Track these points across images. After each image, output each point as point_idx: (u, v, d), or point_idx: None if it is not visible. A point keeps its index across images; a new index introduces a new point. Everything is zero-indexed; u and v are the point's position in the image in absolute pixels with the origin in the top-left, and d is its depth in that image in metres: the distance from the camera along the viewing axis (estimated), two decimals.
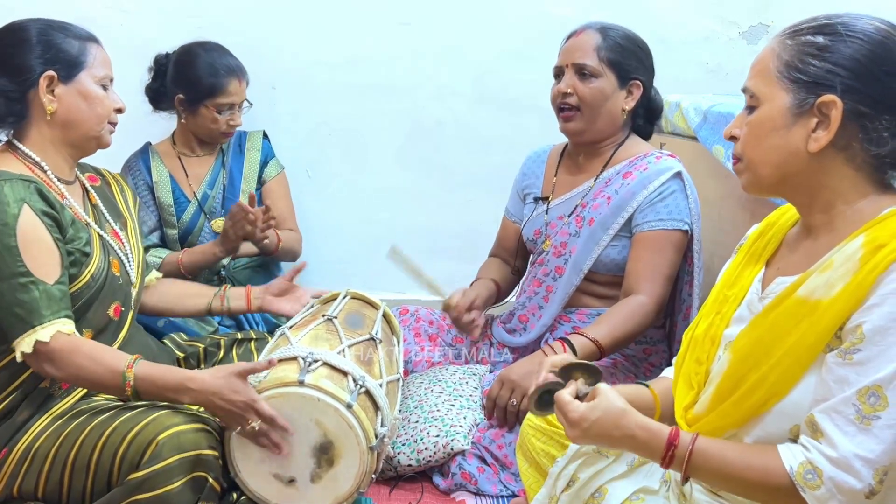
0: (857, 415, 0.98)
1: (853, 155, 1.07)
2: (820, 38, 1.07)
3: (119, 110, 1.64)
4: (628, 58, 1.92)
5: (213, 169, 2.45)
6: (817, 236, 1.11)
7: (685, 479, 1.14)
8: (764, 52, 1.13)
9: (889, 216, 1.04)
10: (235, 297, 1.92)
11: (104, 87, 1.61)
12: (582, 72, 1.91)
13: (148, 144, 2.46)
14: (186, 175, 2.42)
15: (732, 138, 1.16)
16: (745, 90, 1.14)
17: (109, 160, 1.93)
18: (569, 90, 1.91)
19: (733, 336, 1.16)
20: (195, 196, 2.41)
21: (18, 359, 1.43)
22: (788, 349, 1.05)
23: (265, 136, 2.55)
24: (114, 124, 1.64)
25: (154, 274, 1.90)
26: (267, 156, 2.52)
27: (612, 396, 1.14)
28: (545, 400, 1.24)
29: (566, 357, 1.29)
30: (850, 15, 1.08)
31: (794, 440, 1.05)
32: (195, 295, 1.93)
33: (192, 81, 2.29)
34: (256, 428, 1.42)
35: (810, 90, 1.06)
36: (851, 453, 0.97)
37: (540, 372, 1.26)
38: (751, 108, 1.13)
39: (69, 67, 1.56)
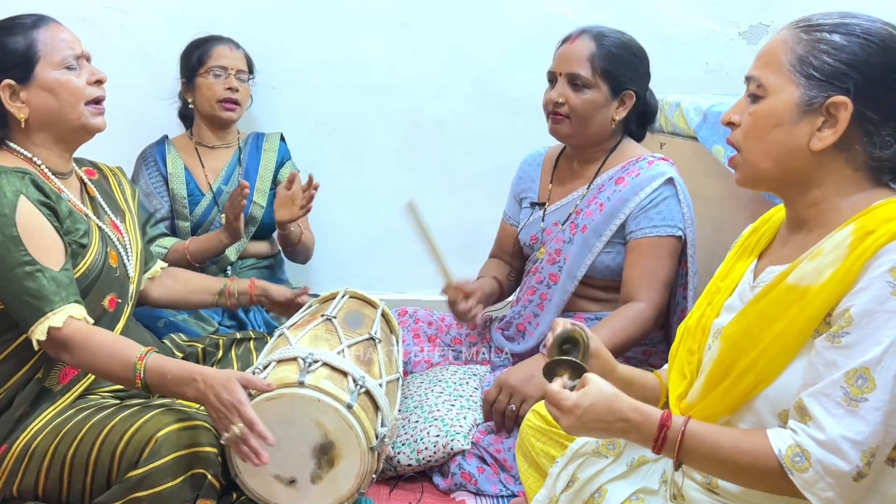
0: (844, 397, 0.98)
1: (854, 156, 1.08)
2: (837, 37, 1.06)
3: (99, 81, 1.57)
4: (622, 68, 1.90)
5: (230, 164, 2.48)
6: (810, 229, 1.12)
7: (678, 465, 1.14)
8: (774, 42, 1.12)
9: (878, 206, 1.05)
10: (241, 289, 1.93)
11: (69, 68, 1.54)
12: (574, 82, 1.89)
13: (165, 137, 2.50)
14: (203, 167, 2.45)
15: (730, 124, 1.15)
16: (750, 78, 1.13)
17: (117, 155, 1.93)
18: (560, 100, 1.90)
19: (723, 324, 1.16)
20: (210, 189, 2.43)
21: (35, 347, 1.43)
22: (777, 335, 1.06)
23: (282, 138, 2.58)
24: (98, 101, 1.58)
25: (159, 264, 1.89)
26: (283, 157, 2.56)
27: (602, 382, 1.14)
28: (564, 350, 1.25)
29: (578, 324, 1.28)
30: (865, 17, 1.08)
31: (784, 426, 1.06)
32: (200, 290, 1.93)
33: (184, 61, 2.42)
34: (237, 433, 1.38)
35: (822, 88, 1.06)
36: (839, 435, 0.98)
37: (555, 329, 1.26)
38: (754, 97, 1.12)
39: (23, 68, 1.50)
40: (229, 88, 2.37)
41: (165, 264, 1.94)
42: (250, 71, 2.47)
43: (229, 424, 1.39)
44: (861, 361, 0.98)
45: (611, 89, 1.90)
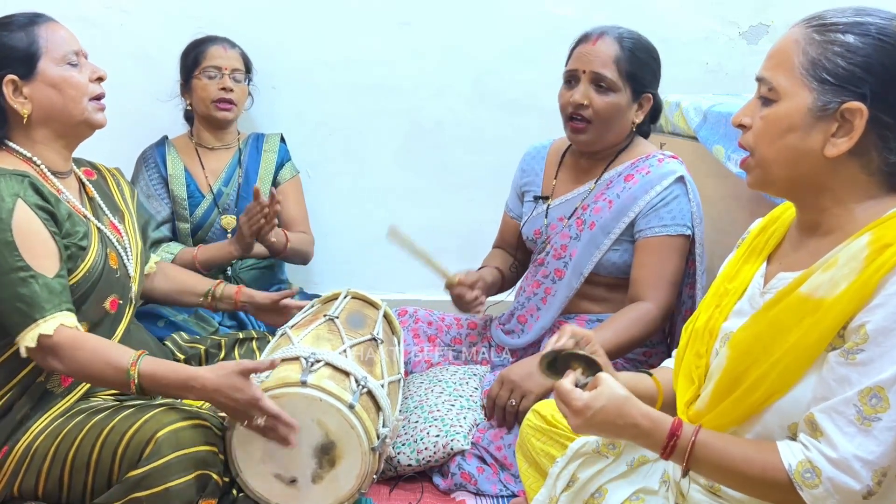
0: (857, 416, 0.97)
1: (869, 161, 1.04)
2: (851, 38, 1.02)
3: (100, 79, 1.58)
4: (644, 71, 1.88)
5: (230, 166, 2.48)
6: (823, 234, 1.09)
7: (685, 472, 1.13)
8: (785, 41, 1.07)
9: (895, 215, 1.02)
10: (227, 295, 1.92)
11: (71, 64, 1.54)
12: (599, 83, 1.85)
13: (165, 138, 2.50)
14: (203, 168, 2.45)
15: (741, 126, 1.12)
16: (761, 80, 1.09)
17: (117, 155, 1.93)
18: (584, 101, 1.86)
19: (732, 329, 1.14)
20: (210, 190, 2.43)
21: (23, 354, 1.42)
22: (790, 347, 1.04)
23: (282, 139, 2.58)
24: (99, 98, 1.58)
25: (153, 260, 1.89)
26: (283, 158, 2.55)
27: (614, 384, 1.13)
28: (555, 366, 1.22)
29: (588, 332, 1.27)
30: (881, 14, 1.04)
31: (793, 437, 1.05)
32: (188, 291, 1.93)
33: (182, 63, 2.42)
34: (262, 424, 1.42)
35: (836, 93, 1.02)
36: (851, 454, 0.96)
37: (561, 336, 1.24)
38: (765, 100, 1.09)
39: (26, 63, 1.50)
40: (223, 89, 2.37)
41: (159, 258, 1.94)
42: (248, 70, 2.46)
43: (249, 419, 1.41)
44: (876, 380, 0.96)
45: (633, 93, 1.88)
